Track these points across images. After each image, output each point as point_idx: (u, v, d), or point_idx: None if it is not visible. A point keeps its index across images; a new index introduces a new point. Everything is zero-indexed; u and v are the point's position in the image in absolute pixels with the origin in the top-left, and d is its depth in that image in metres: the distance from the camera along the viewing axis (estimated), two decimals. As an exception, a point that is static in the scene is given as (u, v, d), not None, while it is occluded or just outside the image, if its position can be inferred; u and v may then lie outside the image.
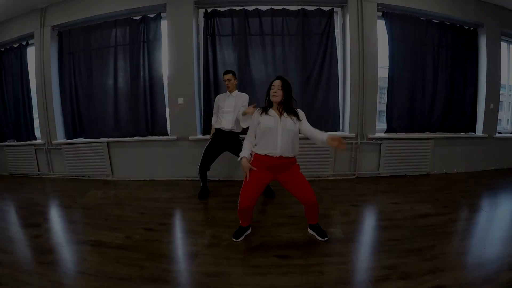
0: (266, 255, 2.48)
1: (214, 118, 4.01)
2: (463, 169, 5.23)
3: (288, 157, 2.60)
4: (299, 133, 2.66)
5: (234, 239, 2.74)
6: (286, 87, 2.61)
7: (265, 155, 2.58)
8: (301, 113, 2.69)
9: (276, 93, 2.59)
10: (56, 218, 3.54)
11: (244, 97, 3.82)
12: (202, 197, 3.98)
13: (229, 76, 3.78)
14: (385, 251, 2.54)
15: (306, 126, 2.64)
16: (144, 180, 4.94)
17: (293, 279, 2.14)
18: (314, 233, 2.78)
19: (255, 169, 2.62)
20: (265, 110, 2.67)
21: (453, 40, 5.05)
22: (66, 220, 3.44)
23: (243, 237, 2.79)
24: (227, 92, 3.86)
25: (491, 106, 5.26)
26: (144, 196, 4.14)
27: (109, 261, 2.44)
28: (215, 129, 3.89)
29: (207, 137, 4.29)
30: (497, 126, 5.53)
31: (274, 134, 2.56)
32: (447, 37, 5.02)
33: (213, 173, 4.20)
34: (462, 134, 5.23)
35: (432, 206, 3.55)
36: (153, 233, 2.96)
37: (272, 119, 2.59)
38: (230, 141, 3.85)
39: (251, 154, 2.70)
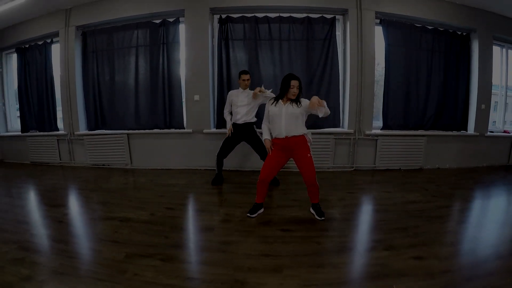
0: (272, 229, 2.83)
1: (226, 113, 4.29)
2: (456, 165, 5.48)
3: (295, 135, 2.93)
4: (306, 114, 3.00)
5: (249, 215, 3.10)
6: (301, 86, 2.94)
7: (275, 137, 3.02)
8: (304, 101, 2.95)
9: (296, 93, 2.90)
10: (82, 200, 3.85)
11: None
12: (215, 183, 4.30)
13: (248, 76, 4.12)
14: (374, 228, 2.93)
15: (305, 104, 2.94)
16: (162, 169, 5.31)
17: (294, 247, 2.48)
18: (313, 212, 3.12)
19: (273, 148, 3.07)
20: (276, 100, 3.01)
21: (446, 44, 5.34)
22: (93, 201, 3.72)
23: (256, 214, 3.13)
24: (240, 89, 4.16)
25: (483, 106, 5.51)
26: (162, 182, 4.48)
27: (138, 232, 2.76)
28: (232, 124, 4.16)
29: (221, 130, 4.69)
30: (492, 127, 5.80)
31: (278, 119, 2.93)
32: (441, 42, 5.32)
33: (225, 163, 4.42)
34: (454, 132, 5.50)
35: (421, 195, 3.84)
36: (174, 211, 3.31)
37: (277, 107, 2.95)
38: (246, 132, 4.14)
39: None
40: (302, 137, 2.97)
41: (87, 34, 5.46)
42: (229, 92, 4.30)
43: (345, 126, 5.13)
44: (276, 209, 3.34)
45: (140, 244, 2.54)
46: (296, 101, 2.94)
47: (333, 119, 5.09)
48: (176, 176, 4.85)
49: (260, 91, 3.86)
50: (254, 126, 4.19)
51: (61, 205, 3.58)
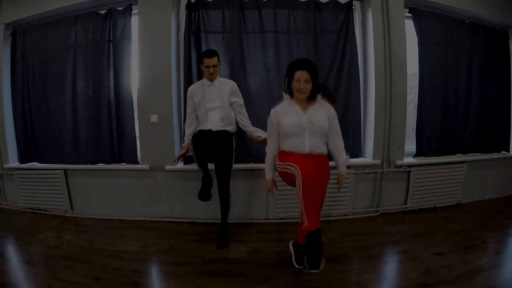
0: None
1: (188, 122, 2.92)
2: (495, 194, 4.18)
3: (321, 154, 2.13)
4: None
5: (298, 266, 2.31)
6: (314, 77, 2.00)
7: (292, 150, 2.11)
8: (331, 111, 2.13)
9: (304, 89, 1.99)
10: None
11: (229, 84, 2.88)
12: (203, 196, 2.83)
13: (215, 60, 2.74)
14: None
15: (333, 131, 2.15)
16: (111, 219, 3.63)
17: None
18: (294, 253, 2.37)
19: (277, 190, 2.41)
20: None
21: (485, 43, 4.00)
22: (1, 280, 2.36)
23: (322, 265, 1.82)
24: (205, 80, 2.82)
25: None
26: (105, 247, 2.91)
27: None
28: (198, 131, 2.83)
29: (190, 167, 3.14)
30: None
31: (300, 136, 2.06)
32: (480, 40, 3.96)
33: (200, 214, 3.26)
34: (494, 155, 4.17)
35: (483, 253, 2.66)
36: None
37: (294, 116, 2.06)
38: (220, 144, 2.80)
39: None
40: (325, 157, 2.20)
41: (17, 34, 3.90)
42: (189, 89, 2.93)
43: (369, 155, 3.61)
44: None
45: None
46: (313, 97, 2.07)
47: (353, 146, 3.53)
48: (128, 234, 3.21)
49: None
50: (233, 138, 2.93)
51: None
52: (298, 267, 2.24)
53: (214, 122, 2.76)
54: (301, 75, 1.95)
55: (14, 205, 4.09)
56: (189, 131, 2.87)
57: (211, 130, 2.74)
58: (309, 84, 1.97)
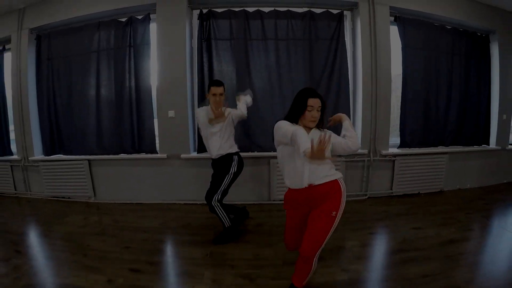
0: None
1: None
2: (476, 184, 4.78)
3: (325, 182, 1.90)
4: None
5: None
6: (324, 106, 1.97)
7: (290, 188, 2.02)
8: (331, 135, 2.00)
9: (316, 118, 1.92)
10: (29, 251, 2.90)
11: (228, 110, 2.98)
12: (227, 238, 2.97)
13: (222, 89, 2.89)
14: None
15: (337, 140, 2.01)
16: (131, 203, 4.21)
17: None
18: None
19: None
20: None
21: (466, 47, 4.58)
22: (40, 254, 2.82)
23: None
24: (210, 111, 2.89)
25: (504, 116, 4.85)
26: (130, 225, 3.45)
27: None
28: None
29: (203, 155, 3.66)
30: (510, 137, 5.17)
31: (299, 164, 1.90)
32: (461, 44, 4.54)
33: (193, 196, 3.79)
34: (475, 147, 4.75)
35: (456, 229, 3.17)
36: (140, 275, 2.38)
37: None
38: (220, 166, 3.01)
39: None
40: (335, 183, 1.92)
41: (41, 38, 4.43)
42: (197, 110, 3.10)
43: (358, 146, 4.14)
44: (282, 268, 2.41)
45: None
46: (319, 126, 1.99)
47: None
48: (148, 214, 3.78)
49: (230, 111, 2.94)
50: (234, 157, 3.03)
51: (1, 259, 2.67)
52: None
53: (213, 150, 2.95)
54: (314, 102, 1.90)
55: (39, 194, 4.62)
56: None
57: (213, 158, 3.01)
58: (319, 113, 1.93)
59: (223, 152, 2.95)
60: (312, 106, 1.88)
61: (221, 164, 2.97)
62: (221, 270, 2.40)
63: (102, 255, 2.69)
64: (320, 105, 1.92)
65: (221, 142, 2.92)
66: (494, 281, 2.20)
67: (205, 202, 3.00)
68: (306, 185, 1.89)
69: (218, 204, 2.88)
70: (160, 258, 2.70)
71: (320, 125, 1.98)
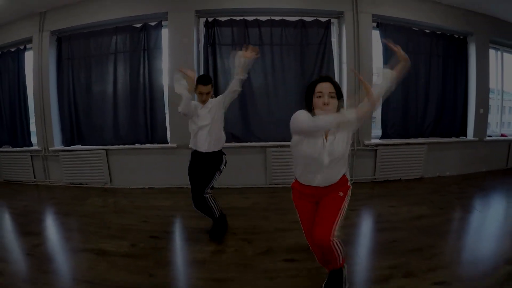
0: (273, 260, 2.50)
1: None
2: (456, 172, 5.36)
3: (332, 183, 1.82)
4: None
5: None
6: (339, 92, 1.73)
7: (300, 183, 1.89)
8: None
9: (330, 105, 1.67)
10: (56, 226, 3.50)
11: (218, 99, 2.96)
12: (216, 235, 2.96)
13: (209, 88, 2.80)
14: (386, 251, 2.63)
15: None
16: (143, 188, 4.89)
17: (302, 282, 2.17)
18: None
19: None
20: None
21: (444, 48, 5.22)
22: (66, 228, 3.38)
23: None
24: (198, 104, 2.88)
25: (481, 110, 5.43)
26: (144, 204, 4.10)
27: (117, 269, 2.40)
28: (192, 152, 2.99)
29: None
30: (487, 130, 5.75)
31: (315, 164, 1.74)
32: (438, 46, 5.19)
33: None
34: (453, 139, 5.38)
35: (428, 207, 3.66)
36: (158, 241, 2.95)
37: (313, 143, 1.72)
38: (209, 162, 2.92)
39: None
40: (343, 178, 1.86)
41: (62, 40, 5.08)
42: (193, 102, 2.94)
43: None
44: (274, 234, 3.02)
45: (118, 285, 2.18)
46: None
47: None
48: (160, 196, 4.47)
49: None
50: (224, 156, 3.04)
51: (31, 233, 3.19)
52: None
53: (202, 144, 2.83)
54: (324, 87, 1.67)
55: (57, 182, 5.23)
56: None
57: (202, 152, 2.86)
58: (334, 100, 1.67)
59: (215, 149, 2.90)
60: (321, 92, 1.67)
61: (211, 159, 2.91)
62: (225, 237, 2.97)
63: (123, 228, 3.24)
64: (333, 91, 1.68)
65: (210, 137, 2.84)
66: (453, 246, 2.68)
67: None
68: (317, 186, 1.81)
69: (209, 195, 2.89)
70: (173, 229, 3.35)
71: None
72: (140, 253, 2.68)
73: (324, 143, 1.71)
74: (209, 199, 2.89)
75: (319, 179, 1.77)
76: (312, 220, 1.85)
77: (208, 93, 2.79)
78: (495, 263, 2.33)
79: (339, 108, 1.70)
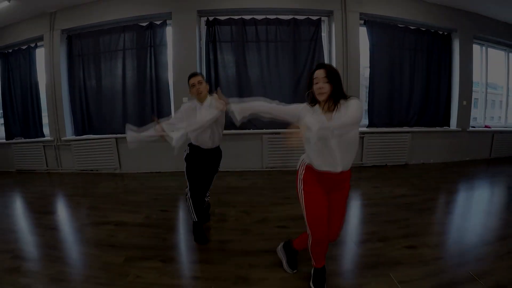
0: (268, 226, 2.92)
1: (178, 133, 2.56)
2: (440, 160, 5.69)
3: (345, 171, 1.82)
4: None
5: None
6: (332, 76, 1.71)
7: (318, 170, 1.81)
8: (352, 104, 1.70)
9: (323, 88, 1.70)
10: (75, 206, 3.82)
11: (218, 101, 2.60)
12: (200, 239, 2.69)
13: (200, 78, 2.61)
14: (366, 222, 3.08)
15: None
16: (152, 172, 5.31)
17: None
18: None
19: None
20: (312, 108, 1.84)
21: (428, 44, 5.56)
22: (85, 207, 3.70)
23: None
24: (196, 102, 2.65)
25: (464, 102, 5.73)
26: (154, 185, 4.52)
27: (134, 236, 2.79)
28: (193, 145, 2.78)
29: None
30: (474, 123, 6.09)
31: (328, 150, 1.73)
32: (423, 41, 5.53)
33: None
34: (437, 128, 5.72)
35: (408, 189, 4.02)
36: (168, 213, 3.38)
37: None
38: (212, 159, 2.83)
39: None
40: (349, 171, 1.88)
41: (72, 38, 5.43)
42: (184, 106, 2.76)
43: (330, 125, 5.23)
44: (269, 207, 3.43)
45: (138, 247, 2.56)
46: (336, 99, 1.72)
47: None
48: (167, 179, 4.88)
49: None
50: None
51: (52, 212, 3.59)
52: (292, 271, 2.12)
53: (206, 143, 2.68)
54: (318, 73, 1.72)
55: (69, 169, 5.60)
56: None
57: (203, 148, 2.71)
58: (328, 84, 1.69)
59: (214, 142, 2.75)
60: (316, 77, 1.73)
61: (215, 156, 2.83)
62: (226, 208, 3.41)
63: (137, 204, 3.66)
64: (325, 75, 1.70)
65: (210, 135, 2.66)
66: (426, 220, 2.98)
67: None
68: (339, 171, 1.77)
69: (188, 196, 2.79)
70: (180, 203, 3.72)
71: (338, 98, 1.71)
72: (154, 223, 3.09)
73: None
74: (188, 200, 2.76)
75: (338, 160, 1.73)
76: (324, 215, 1.83)
77: (200, 82, 2.58)
78: (462, 234, 2.71)
79: (337, 90, 1.72)
